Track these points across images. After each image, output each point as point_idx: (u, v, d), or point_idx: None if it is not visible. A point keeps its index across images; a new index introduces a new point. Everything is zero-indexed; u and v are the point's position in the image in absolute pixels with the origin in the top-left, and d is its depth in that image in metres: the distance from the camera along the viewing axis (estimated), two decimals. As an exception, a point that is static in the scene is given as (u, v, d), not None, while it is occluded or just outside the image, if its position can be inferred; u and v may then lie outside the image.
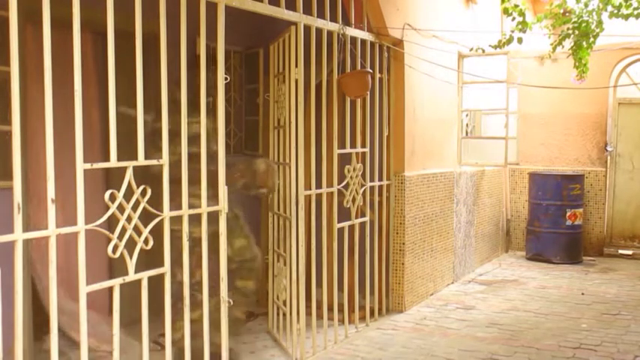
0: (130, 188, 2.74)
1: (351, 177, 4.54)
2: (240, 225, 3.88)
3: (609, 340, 4.60)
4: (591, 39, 6.05)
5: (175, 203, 3.03)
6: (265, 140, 5.16)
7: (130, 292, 3.10)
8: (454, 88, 6.43)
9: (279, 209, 4.40)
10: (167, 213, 2.97)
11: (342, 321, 4.64)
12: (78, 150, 2.56)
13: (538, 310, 5.41)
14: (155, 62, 3.06)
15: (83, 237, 2.58)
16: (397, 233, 5.31)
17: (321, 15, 4.18)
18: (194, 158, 3.20)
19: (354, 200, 4.58)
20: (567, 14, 6.23)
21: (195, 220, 3.21)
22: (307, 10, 4.02)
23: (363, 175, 4.74)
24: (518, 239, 8.10)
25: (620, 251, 7.75)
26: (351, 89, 4.49)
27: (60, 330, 2.89)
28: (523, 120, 8.05)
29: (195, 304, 3.40)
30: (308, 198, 4.27)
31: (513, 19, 6.22)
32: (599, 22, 5.94)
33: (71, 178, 2.57)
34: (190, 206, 3.11)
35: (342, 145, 4.57)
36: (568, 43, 6.27)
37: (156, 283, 2.97)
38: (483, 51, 6.33)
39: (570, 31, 6.09)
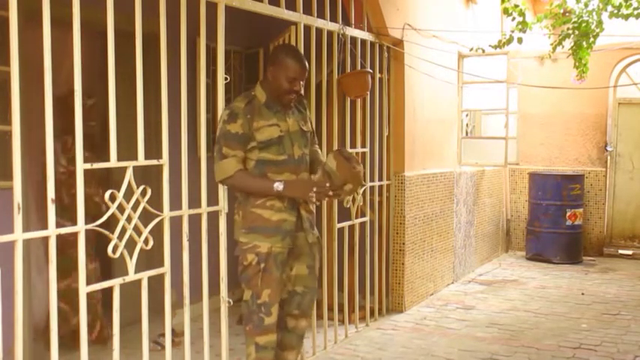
0: (130, 188, 2.74)
1: (351, 177, 4.54)
2: (313, 252, 3.34)
3: (609, 340, 4.60)
4: (591, 39, 6.06)
5: None
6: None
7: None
8: (454, 88, 6.43)
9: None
10: (167, 213, 2.97)
11: (342, 321, 4.64)
12: (78, 150, 2.56)
13: (538, 310, 5.41)
14: (155, 63, 3.06)
15: (83, 237, 2.58)
16: (397, 233, 5.31)
17: (321, 15, 4.18)
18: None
19: (354, 200, 4.58)
20: (567, 14, 6.23)
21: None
22: (307, 10, 4.02)
23: (363, 175, 4.74)
24: (518, 239, 8.10)
25: (620, 251, 7.75)
26: (351, 89, 4.49)
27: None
28: (523, 120, 8.05)
29: (261, 328, 3.13)
30: (308, 198, 4.26)
31: (513, 19, 6.22)
32: (599, 22, 5.94)
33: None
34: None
35: (342, 145, 4.57)
36: (568, 43, 6.27)
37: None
38: (483, 51, 6.34)
39: (570, 31, 6.10)
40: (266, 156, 3.11)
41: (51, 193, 2.44)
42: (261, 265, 3.09)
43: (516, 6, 6.20)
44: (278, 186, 3.05)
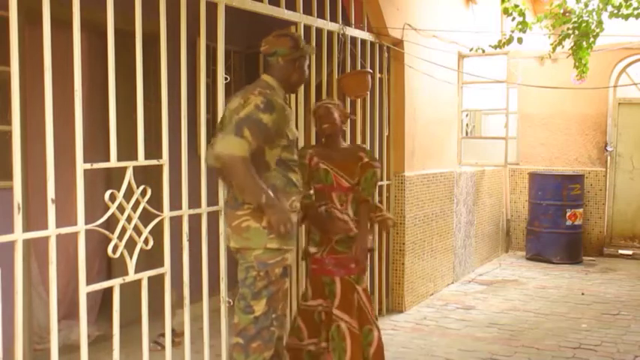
0: (130, 188, 2.74)
1: (351, 177, 4.54)
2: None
3: (609, 340, 4.60)
4: (591, 39, 6.06)
5: None
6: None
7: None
8: (454, 88, 6.43)
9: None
10: (167, 213, 2.97)
11: (342, 321, 4.63)
12: (78, 150, 2.56)
13: (538, 310, 5.41)
14: (155, 63, 3.07)
15: (83, 237, 2.58)
16: (397, 233, 5.31)
17: (321, 15, 4.18)
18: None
19: (354, 200, 4.57)
20: (567, 14, 6.24)
21: None
22: (307, 10, 4.02)
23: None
24: (518, 239, 8.10)
25: (620, 251, 7.75)
26: (351, 89, 4.48)
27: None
28: (523, 120, 8.05)
29: (271, 342, 3.01)
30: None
31: (513, 19, 6.22)
32: (599, 22, 5.95)
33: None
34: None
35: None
36: (568, 43, 6.28)
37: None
38: (483, 51, 6.34)
39: (570, 31, 6.10)
40: (288, 156, 3.02)
41: (51, 193, 2.44)
42: (285, 278, 3.04)
43: (516, 6, 6.20)
44: (269, 196, 2.81)
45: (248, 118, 2.80)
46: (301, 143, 3.97)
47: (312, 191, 3.60)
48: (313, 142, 4.11)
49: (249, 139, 2.76)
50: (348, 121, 4.51)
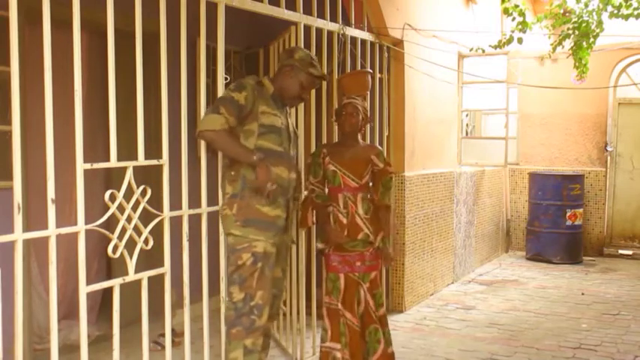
0: (130, 188, 2.74)
1: (351, 177, 4.54)
2: (287, 256, 3.48)
3: (609, 340, 4.60)
4: (591, 39, 6.06)
5: None
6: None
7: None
8: (454, 88, 6.43)
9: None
10: (167, 213, 2.97)
11: (342, 321, 4.63)
12: (78, 150, 2.56)
13: (538, 310, 5.41)
14: (155, 63, 3.06)
15: (83, 237, 2.58)
16: (397, 233, 5.31)
17: (321, 15, 4.18)
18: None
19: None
20: (567, 14, 6.24)
21: None
22: (307, 10, 4.02)
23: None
24: (518, 239, 8.10)
25: (620, 251, 7.75)
26: (351, 89, 4.47)
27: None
28: (523, 120, 8.05)
29: (251, 330, 3.10)
30: (308, 198, 4.26)
31: (513, 19, 6.23)
32: (599, 22, 5.95)
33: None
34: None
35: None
36: (568, 43, 6.28)
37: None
38: (483, 51, 6.34)
39: (570, 31, 6.10)
40: (264, 144, 3.12)
41: (51, 193, 2.44)
42: (257, 264, 3.09)
43: (516, 6, 6.20)
44: (260, 155, 3.03)
45: (222, 98, 3.09)
46: (301, 141, 3.98)
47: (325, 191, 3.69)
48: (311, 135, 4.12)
49: (225, 114, 3.00)
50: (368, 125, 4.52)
